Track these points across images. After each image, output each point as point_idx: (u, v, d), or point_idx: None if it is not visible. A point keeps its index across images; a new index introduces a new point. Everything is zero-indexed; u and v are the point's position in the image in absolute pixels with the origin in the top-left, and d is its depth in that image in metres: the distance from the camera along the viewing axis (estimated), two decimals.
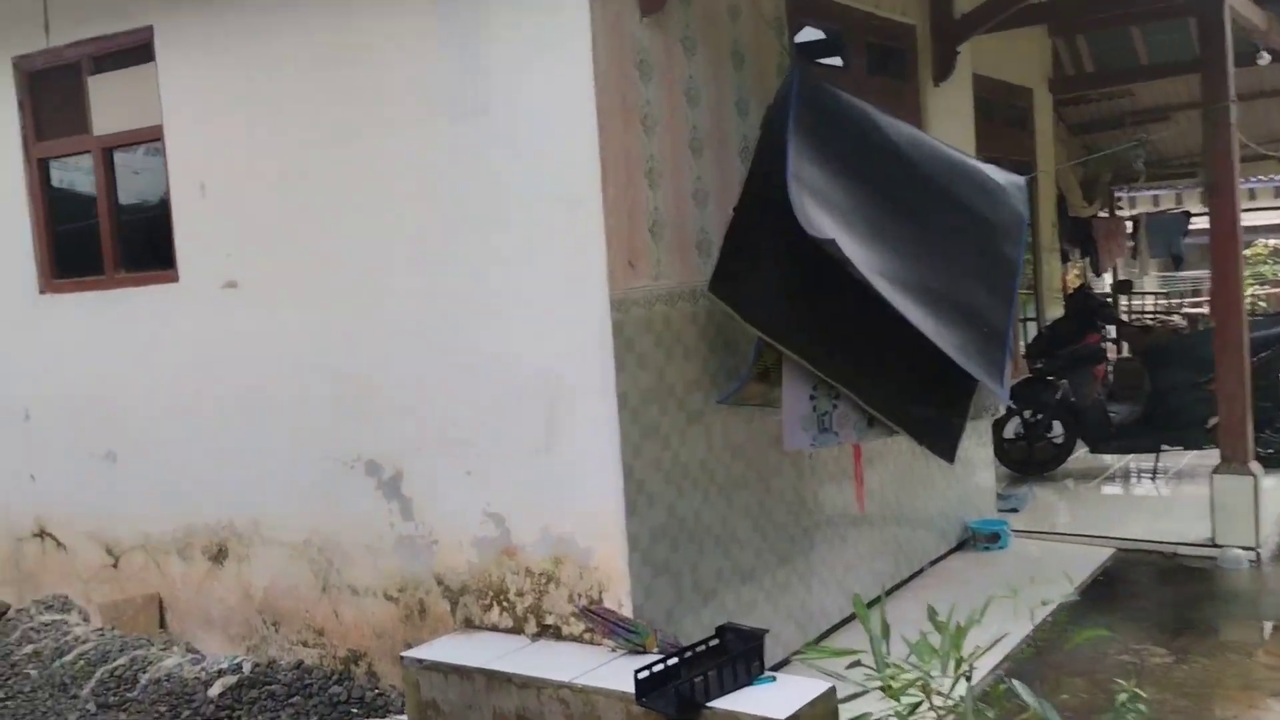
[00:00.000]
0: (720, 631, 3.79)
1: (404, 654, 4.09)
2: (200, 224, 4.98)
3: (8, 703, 4.68)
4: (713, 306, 4.32)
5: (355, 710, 4.40)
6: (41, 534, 5.68)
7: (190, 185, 4.96)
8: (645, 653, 3.85)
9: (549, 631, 4.16)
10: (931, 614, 3.23)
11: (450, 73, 4.18)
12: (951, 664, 2.91)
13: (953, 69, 6.21)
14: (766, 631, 3.76)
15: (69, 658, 4.96)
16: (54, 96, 5.52)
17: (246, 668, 4.71)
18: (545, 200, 4.02)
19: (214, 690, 4.51)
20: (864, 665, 2.99)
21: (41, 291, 5.56)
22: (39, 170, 5.58)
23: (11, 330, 5.70)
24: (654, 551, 4.11)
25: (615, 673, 3.68)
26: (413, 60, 4.27)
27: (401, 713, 4.22)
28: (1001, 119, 8.28)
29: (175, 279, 5.08)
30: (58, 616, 5.41)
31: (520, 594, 4.22)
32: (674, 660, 3.56)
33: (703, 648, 3.70)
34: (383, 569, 4.57)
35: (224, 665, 4.75)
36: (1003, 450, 7.94)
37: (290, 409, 4.75)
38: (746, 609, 4.62)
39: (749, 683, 3.54)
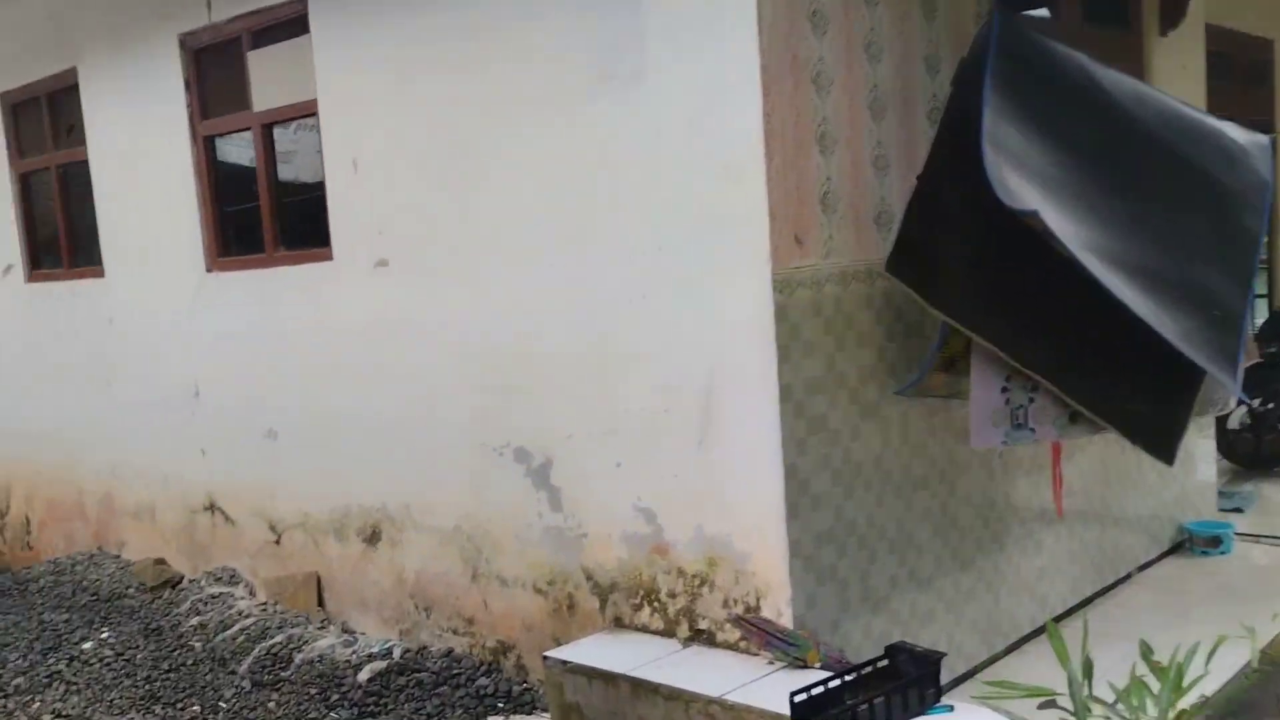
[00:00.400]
0: (891, 651, 3.51)
1: (547, 654, 4.01)
2: (352, 201, 5.03)
3: (170, 674, 4.93)
4: (891, 287, 4.00)
5: (501, 704, 4.38)
6: (211, 508, 5.97)
7: (343, 161, 5.02)
8: (806, 667, 3.63)
9: (702, 637, 3.99)
10: (1145, 651, 2.87)
11: (604, 39, 4.00)
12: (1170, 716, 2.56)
13: (1182, 17, 5.56)
14: (944, 655, 3.45)
15: (231, 632, 5.18)
16: (217, 73, 5.71)
17: (397, 653, 4.78)
18: (703, 171, 3.80)
19: (363, 675, 4.60)
20: (1060, 708, 2.68)
21: (208, 270, 5.79)
22: (205, 148, 5.79)
23: (180, 309, 5.97)
24: (818, 557, 3.85)
25: (771, 689, 3.47)
26: (565, 27, 4.11)
27: (548, 711, 4.16)
28: (1237, 75, 7.43)
29: (330, 257, 5.16)
30: (225, 589, 5.67)
31: (672, 595, 4.07)
32: (836, 682, 3.32)
33: (870, 669, 3.43)
34: (531, 560, 4.51)
35: (375, 649, 4.84)
36: (1226, 443, 7.18)
37: (440, 392, 4.75)
38: (923, 619, 4.31)
39: (921, 713, 3.26)
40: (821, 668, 3.60)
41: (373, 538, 5.14)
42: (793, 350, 3.73)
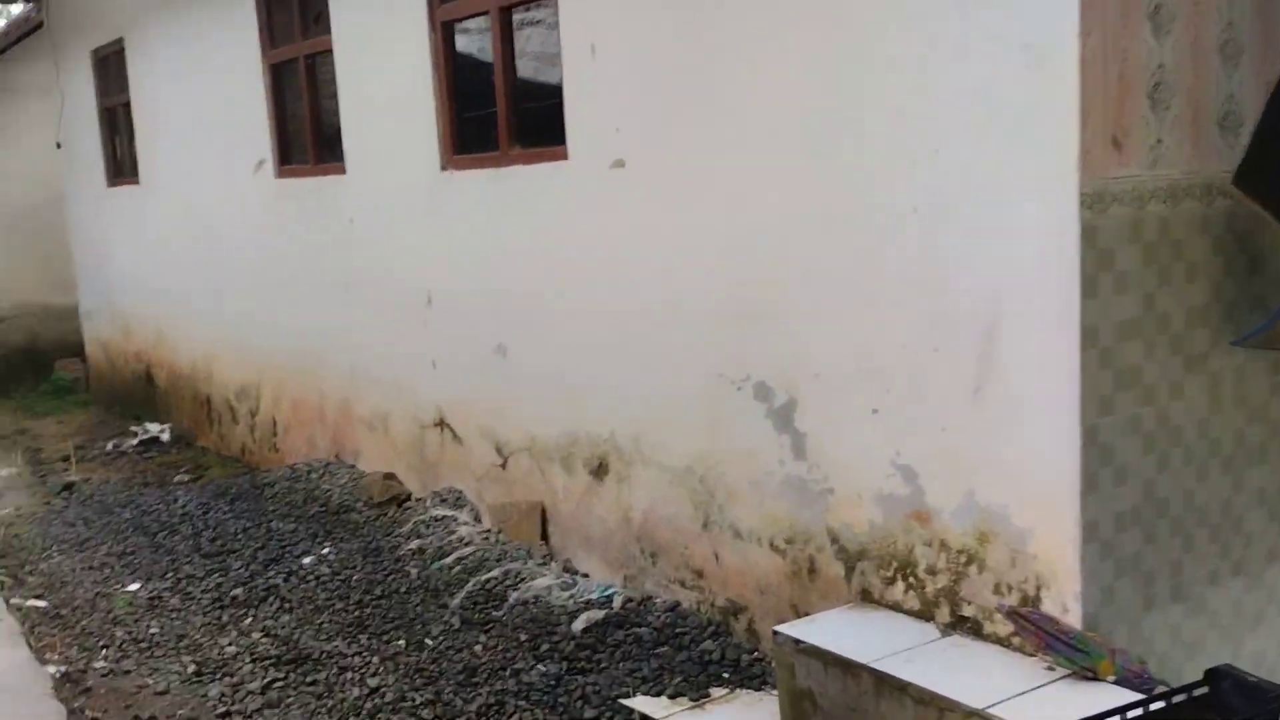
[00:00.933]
0: (1213, 677, 2.99)
1: (778, 629, 3.75)
2: (589, 93, 4.85)
3: (381, 601, 5.11)
4: (1237, 208, 3.36)
5: (727, 674, 4.20)
6: (441, 424, 6.13)
7: (580, 48, 4.83)
8: (1096, 680, 3.18)
9: (965, 625, 3.60)
10: None
11: None
12: None
13: None
14: None
15: (448, 560, 5.31)
16: None
17: (617, 602, 4.70)
18: (994, 54, 3.29)
19: (578, 624, 4.55)
20: None
21: (443, 168, 5.85)
22: (443, 36, 5.79)
23: (416, 209, 6.10)
24: (1119, 542, 3.35)
25: (1049, 705, 3.06)
26: None
27: (776, 689, 3.94)
28: None
29: (564, 156, 5.04)
30: (449, 512, 5.83)
31: (931, 572, 3.69)
32: (1137, 711, 2.86)
33: (1184, 697, 2.94)
34: (769, 512, 4.26)
35: (594, 595, 4.79)
36: None
37: (677, 313, 4.55)
38: (1250, 624, 3.73)
39: None
40: (1116, 683, 3.14)
41: (600, 470, 5.07)
42: (1101, 283, 3.20)
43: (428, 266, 6.05)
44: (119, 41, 9.64)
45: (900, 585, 3.80)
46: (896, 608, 3.81)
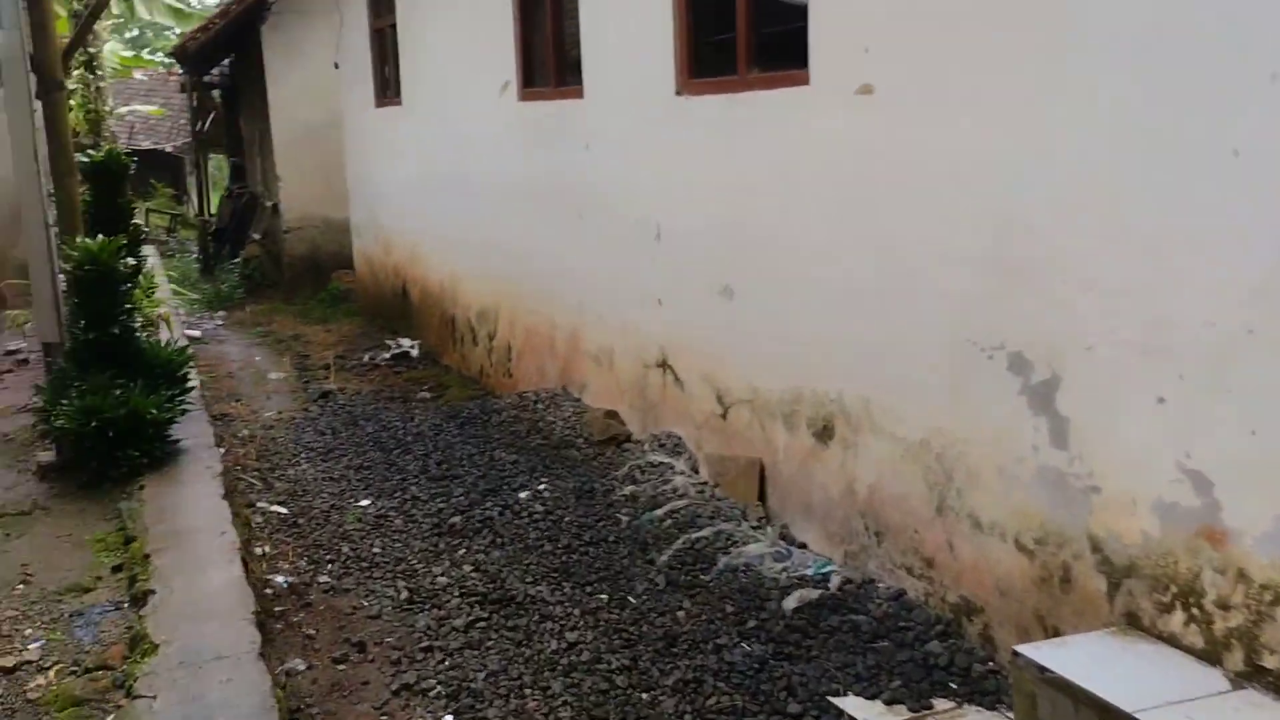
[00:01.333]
0: None
1: (1019, 649, 3.07)
2: (835, 8, 4.15)
3: (589, 549, 4.74)
4: None
5: (955, 684, 3.55)
6: (664, 365, 5.67)
7: None
8: None
9: (1265, 678, 2.80)
10: None
11: None
12: None
13: None
14: None
15: (659, 513, 4.87)
16: None
17: (834, 582, 4.12)
18: None
19: (790, 602, 4.01)
20: None
21: (677, 93, 5.29)
22: None
23: (647, 136, 5.58)
24: None
25: None
26: None
27: (1012, 711, 3.27)
28: None
29: (806, 81, 4.37)
30: (666, 459, 5.39)
31: (1223, 605, 2.90)
32: None
33: None
34: (1016, 505, 3.54)
35: (809, 570, 4.22)
36: None
37: (923, 263, 3.84)
38: None
39: None
40: None
41: (824, 433, 4.46)
42: None
43: (658, 197, 5.55)
44: None
45: (1179, 615, 3.02)
46: (1172, 642, 3.03)
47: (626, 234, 5.86)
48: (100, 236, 4.89)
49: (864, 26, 3.98)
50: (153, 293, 6.77)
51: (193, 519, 3.90)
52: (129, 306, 4.92)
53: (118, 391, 4.68)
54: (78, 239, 4.84)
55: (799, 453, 4.63)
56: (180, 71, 17.93)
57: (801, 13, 4.34)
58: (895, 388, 4.02)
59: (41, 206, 4.93)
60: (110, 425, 4.55)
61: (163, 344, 5.19)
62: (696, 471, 5.32)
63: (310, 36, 13.53)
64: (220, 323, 13.21)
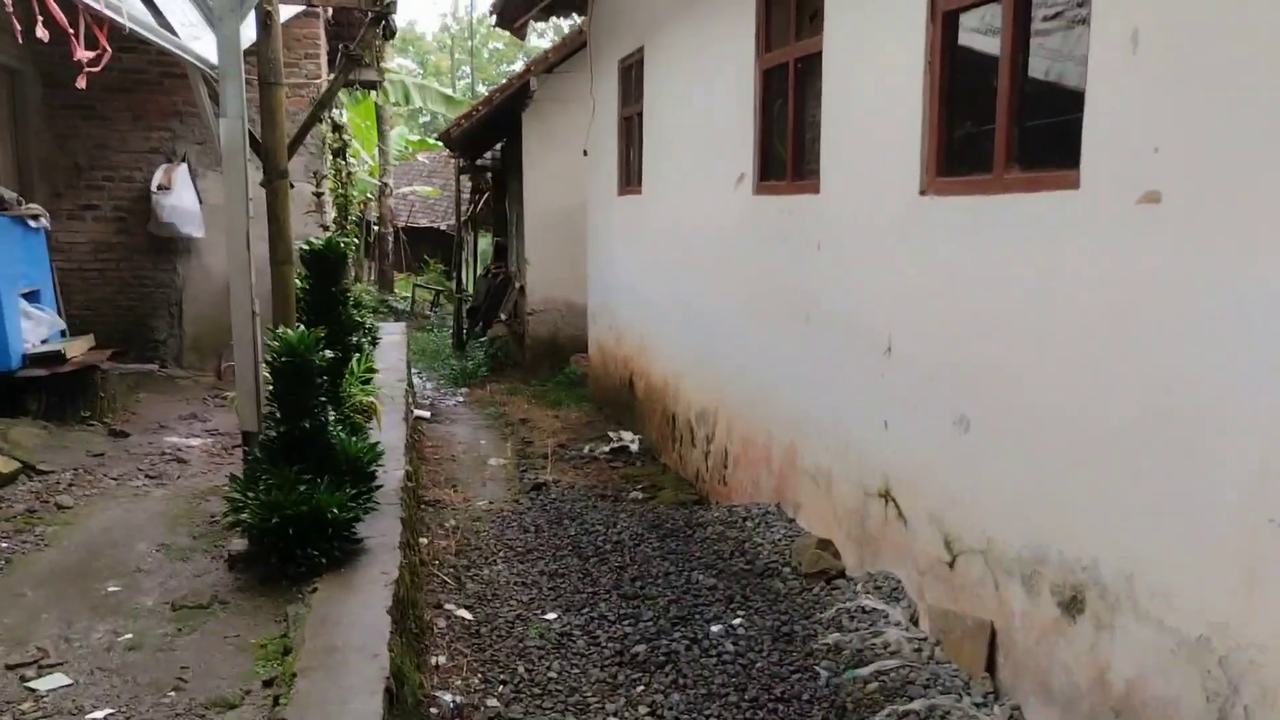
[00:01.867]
0: None
1: None
2: (1120, 99, 3.48)
3: (779, 706, 4.09)
4: None
5: None
6: (886, 496, 5.01)
7: (1117, 37, 3.48)
8: None
9: None
10: None
11: None
12: None
13: None
14: None
15: (865, 672, 4.18)
16: None
17: None
18: None
19: None
20: None
21: (921, 191, 4.71)
22: (942, 28, 4.65)
23: (883, 238, 5.01)
24: None
25: None
26: None
27: None
28: None
29: (1074, 184, 3.70)
30: (880, 605, 4.69)
31: None
32: None
33: None
34: None
35: None
36: None
37: (1209, 415, 3.06)
38: None
39: None
40: None
41: (1072, 605, 3.67)
42: None
43: (891, 308, 4.95)
44: (639, 50, 9.54)
45: None
46: None
47: (854, 345, 5.28)
48: (300, 328, 4.83)
49: (1155, 119, 3.29)
50: (368, 380, 6.72)
51: (351, 635, 3.62)
52: (323, 399, 4.79)
53: (302, 487, 4.53)
54: (278, 329, 4.78)
55: (1039, 623, 3.85)
56: (457, 158, 18.91)
57: (1076, 101, 3.70)
58: (1166, 565, 3.22)
59: (249, 294, 4.91)
60: (291, 522, 4.39)
61: (360, 439, 5.04)
62: (915, 624, 4.60)
63: (565, 123, 13.83)
64: (461, 400, 13.47)
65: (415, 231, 32.11)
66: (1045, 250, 3.86)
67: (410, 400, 9.53)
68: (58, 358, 7.74)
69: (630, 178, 10.23)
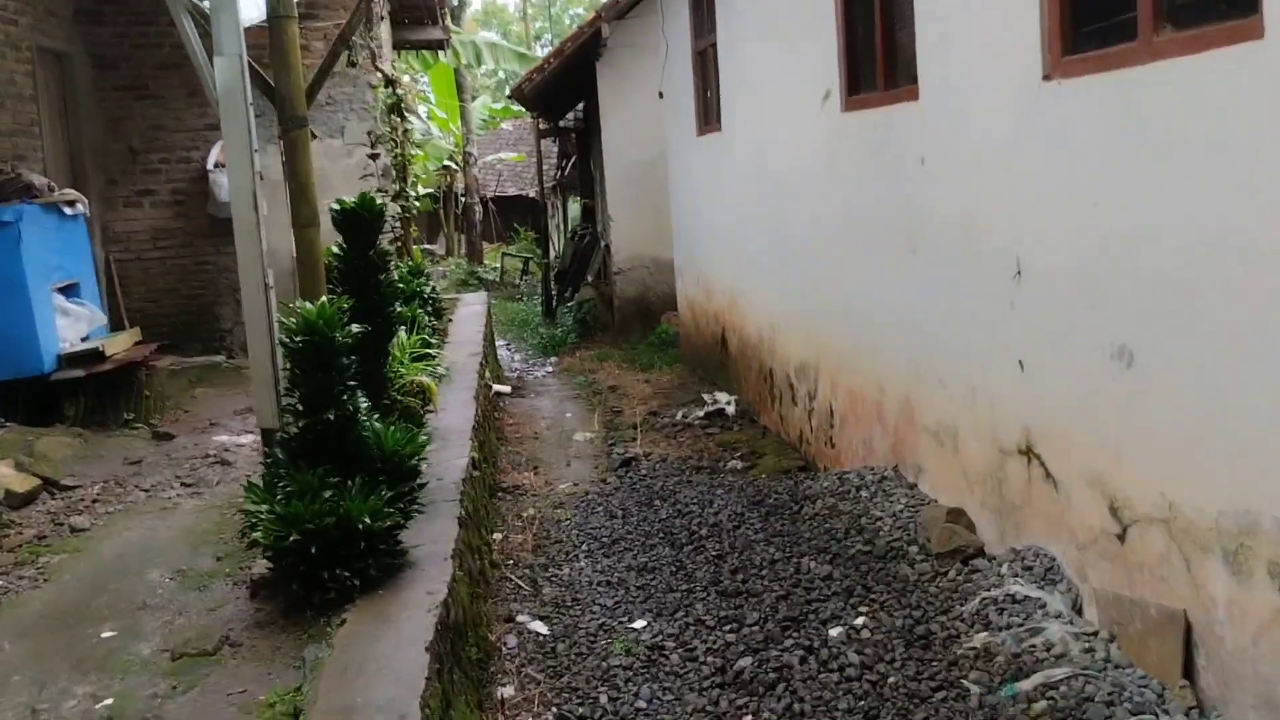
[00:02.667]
0: None
1: None
2: None
3: None
4: None
5: None
6: (1028, 453, 4.11)
7: None
8: None
9: None
10: None
11: None
12: None
13: None
14: None
15: (1027, 686, 3.31)
16: None
17: None
18: None
19: None
20: None
21: (1046, 76, 3.76)
22: None
23: (1004, 141, 4.09)
24: None
25: None
26: None
27: None
28: None
29: (1256, 33, 2.76)
30: (1033, 592, 3.81)
31: None
32: None
33: None
34: None
35: None
36: None
37: None
38: None
39: None
40: None
41: None
42: None
43: (1018, 224, 4.03)
44: None
45: None
46: None
47: (973, 273, 4.38)
48: (324, 301, 4.15)
49: None
50: (424, 357, 6.05)
51: (375, 688, 2.93)
52: (352, 384, 4.10)
53: (328, 494, 3.86)
54: (295, 303, 4.10)
55: (1256, 613, 2.95)
56: (537, 119, 18.21)
57: None
58: None
59: (260, 264, 4.27)
60: (314, 538, 3.72)
61: (401, 429, 4.33)
62: (1079, 613, 3.72)
63: (641, 70, 12.96)
64: (549, 370, 12.84)
65: (504, 201, 31.62)
66: (1219, 125, 2.92)
67: (487, 375, 8.88)
68: (96, 356, 7.18)
69: (709, 116, 9.35)
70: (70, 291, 7.48)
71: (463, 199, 26.28)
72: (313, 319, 4.01)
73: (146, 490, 5.52)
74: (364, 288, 5.01)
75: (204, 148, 9.91)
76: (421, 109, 27.47)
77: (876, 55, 5.36)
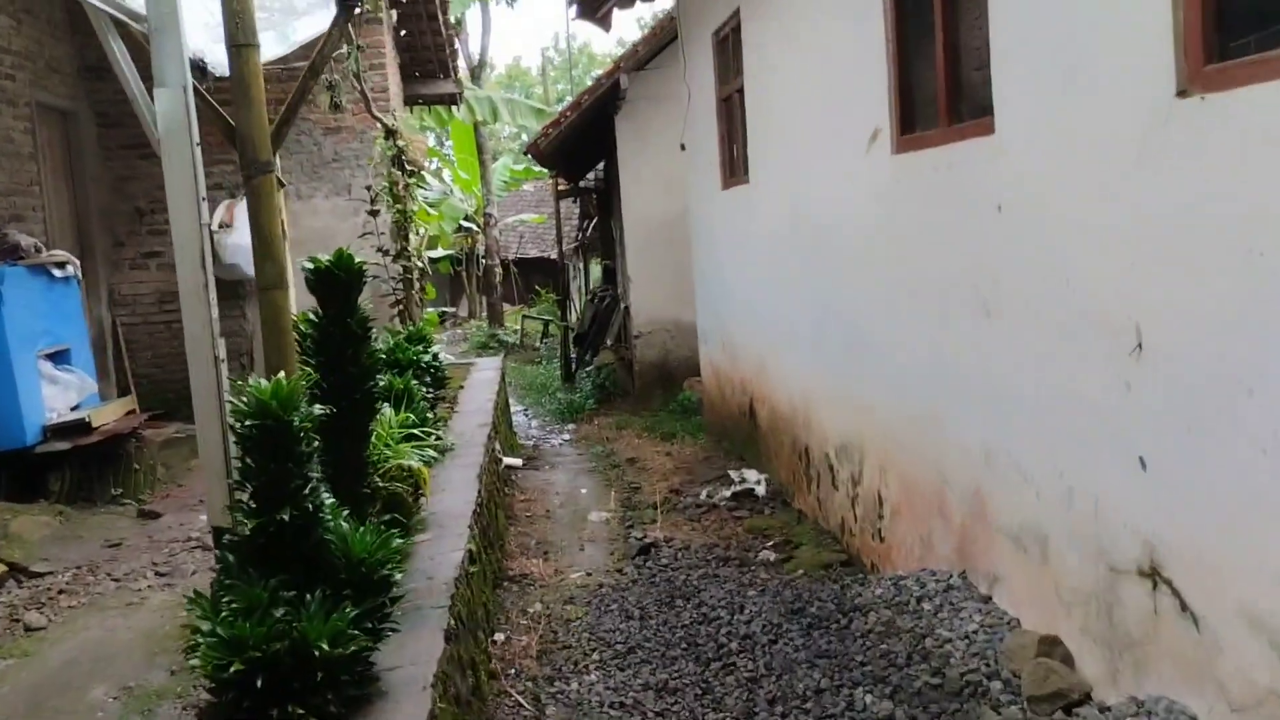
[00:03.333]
0: None
1: None
2: None
3: None
4: None
5: None
6: (1152, 575, 3.18)
7: None
8: None
9: None
10: None
11: None
12: None
13: None
14: None
15: None
16: None
17: None
18: None
19: None
20: None
21: (1181, 92, 2.90)
22: None
23: (1123, 175, 3.21)
24: None
25: None
26: None
27: None
28: None
29: None
30: None
31: None
32: None
33: None
34: None
35: None
36: None
37: None
38: None
39: None
40: None
41: None
42: None
43: (1139, 283, 3.14)
44: (735, 13, 7.86)
45: None
46: None
47: (1072, 344, 3.48)
48: (279, 378, 3.31)
49: None
50: (414, 437, 5.18)
51: None
52: (313, 477, 3.26)
53: (280, 611, 3.01)
54: (251, 379, 3.26)
55: None
56: (556, 178, 17.58)
57: None
58: None
59: (211, 332, 3.47)
60: (262, 668, 2.87)
61: (372, 532, 3.48)
62: None
63: (660, 123, 12.27)
64: (567, 437, 11.98)
65: (526, 262, 31.06)
66: None
67: (497, 447, 8.01)
68: (83, 428, 6.52)
69: (734, 167, 8.56)
70: (60, 358, 6.84)
71: (484, 261, 25.66)
72: (265, 399, 3.17)
73: (118, 580, 4.91)
74: (340, 359, 4.17)
75: (212, 206, 9.25)
76: (446, 173, 27.01)
77: (938, 85, 4.53)
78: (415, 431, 5.35)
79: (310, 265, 4.23)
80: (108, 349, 8.86)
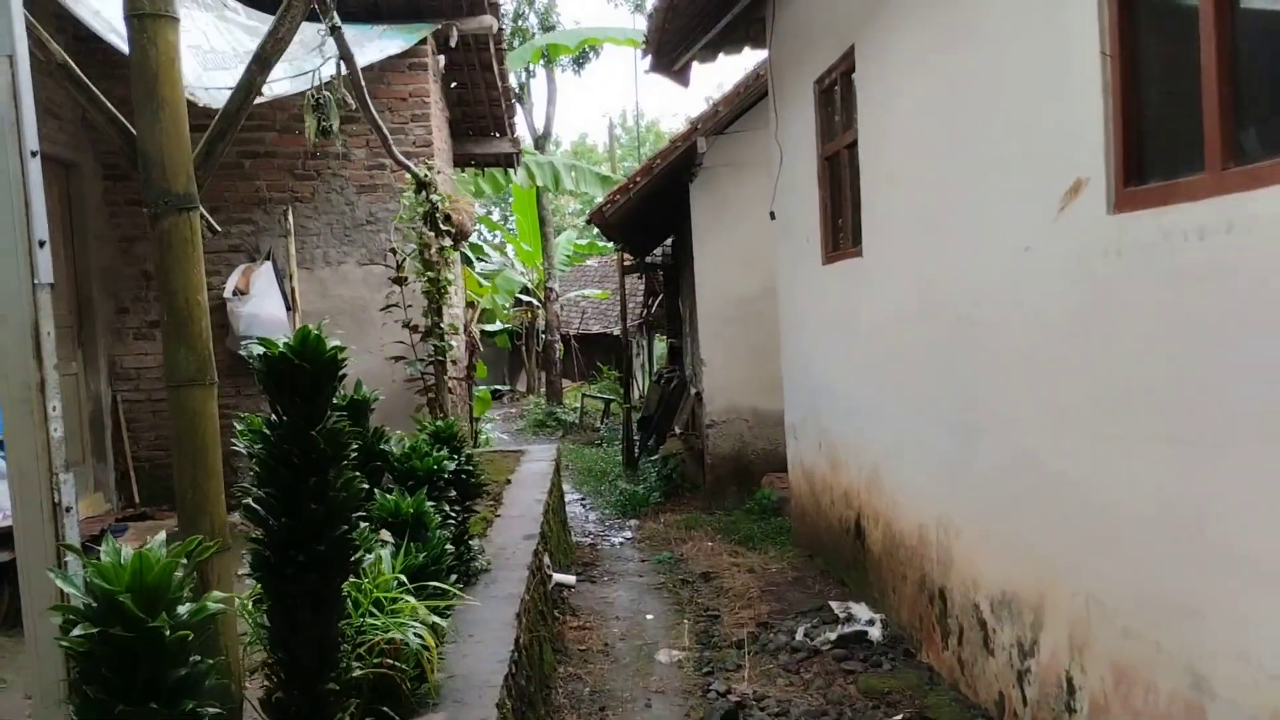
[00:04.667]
0: None
1: None
2: None
3: None
4: None
5: None
6: None
7: None
8: None
9: None
10: None
11: None
12: None
13: None
14: None
15: None
16: None
17: None
18: None
19: None
20: None
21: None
22: None
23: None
24: None
25: None
26: None
27: None
28: None
29: None
30: None
31: None
32: None
33: None
34: None
35: None
36: None
37: None
38: None
39: None
40: None
41: None
42: None
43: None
44: (848, 55, 6.54)
45: None
46: None
47: None
48: (143, 549, 1.93)
49: None
50: (415, 588, 3.70)
51: None
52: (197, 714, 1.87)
53: None
54: (104, 546, 1.88)
55: None
56: (621, 252, 16.36)
57: None
58: None
59: (48, 463, 2.09)
60: None
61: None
62: None
63: (740, 192, 10.98)
64: (629, 535, 10.48)
65: (587, 339, 29.86)
66: None
67: (546, 563, 6.55)
68: None
69: (840, 238, 7.16)
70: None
71: (544, 336, 24.46)
72: (113, 585, 1.80)
73: None
74: (297, 493, 2.76)
75: (225, 272, 8.05)
76: (509, 248, 25.96)
77: (1206, 111, 3.08)
78: (429, 572, 3.90)
79: (259, 350, 2.83)
80: (105, 429, 7.62)
